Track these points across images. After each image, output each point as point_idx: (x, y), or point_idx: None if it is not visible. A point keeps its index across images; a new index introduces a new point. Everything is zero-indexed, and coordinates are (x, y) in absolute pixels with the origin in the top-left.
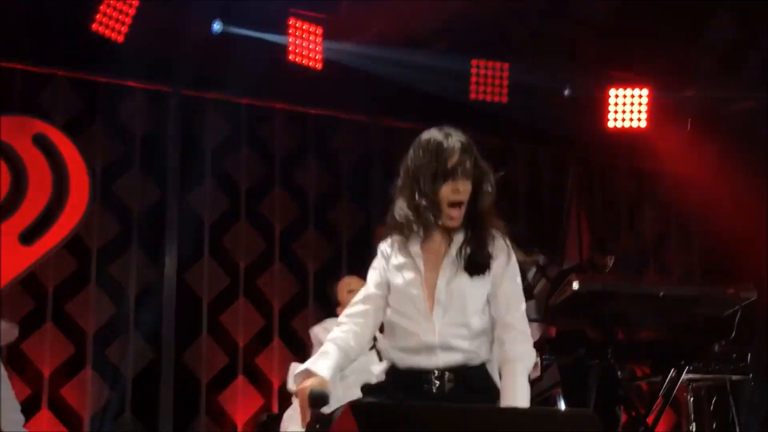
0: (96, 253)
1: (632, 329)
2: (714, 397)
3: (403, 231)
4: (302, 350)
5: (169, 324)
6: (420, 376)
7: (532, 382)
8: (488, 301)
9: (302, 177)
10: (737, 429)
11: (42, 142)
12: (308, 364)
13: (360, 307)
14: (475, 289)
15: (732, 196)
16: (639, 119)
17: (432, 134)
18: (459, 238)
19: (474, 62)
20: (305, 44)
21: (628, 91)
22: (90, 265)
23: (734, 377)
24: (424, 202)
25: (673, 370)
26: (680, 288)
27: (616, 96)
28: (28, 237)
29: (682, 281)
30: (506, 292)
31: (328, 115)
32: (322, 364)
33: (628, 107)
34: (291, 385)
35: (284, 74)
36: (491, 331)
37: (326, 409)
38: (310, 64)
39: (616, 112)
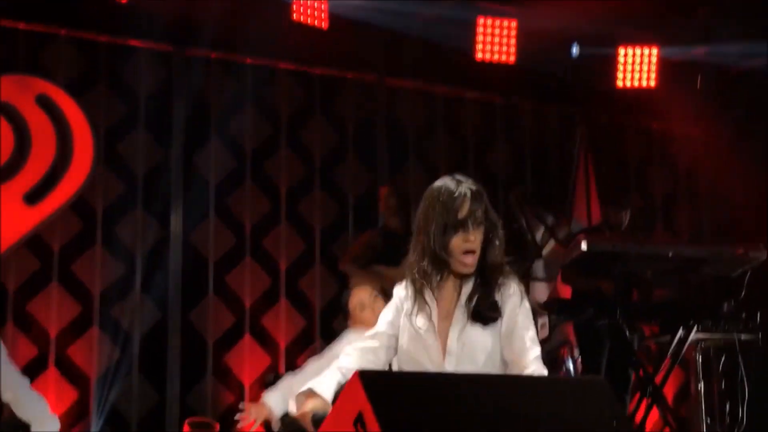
0: (101, 213)
1: (641, 289)
2: (723, 357)
3: (416, 282)
4: (309, 310)
5: (175, 284)
6: None
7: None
8: (502, 348)
9: (308, 137)
10: (746, 389)
11: (45, 102)
12: (311, 384)
13: (370, 343)
14: (486, 338)
15: (742, 155)
16: (648, 78)
17: (442, 183)
18: (468, 286)
19: (480, 20)
20: (310, 3)
21: (638, 51)
22: (95, 226)
23: (743, 337)
24: (436, 256)
25: (681, 329)
26: (689, 248)
27: (625, 55)
28: (33, 198)
29: (691, 241)
30: (520, 337)
31: (333, 74)
32: (324, 385)
33: (637, 66)
34: (292, 406)
35: (289, 33)
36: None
37: None
38: (315, 23)
39: (624, 71)
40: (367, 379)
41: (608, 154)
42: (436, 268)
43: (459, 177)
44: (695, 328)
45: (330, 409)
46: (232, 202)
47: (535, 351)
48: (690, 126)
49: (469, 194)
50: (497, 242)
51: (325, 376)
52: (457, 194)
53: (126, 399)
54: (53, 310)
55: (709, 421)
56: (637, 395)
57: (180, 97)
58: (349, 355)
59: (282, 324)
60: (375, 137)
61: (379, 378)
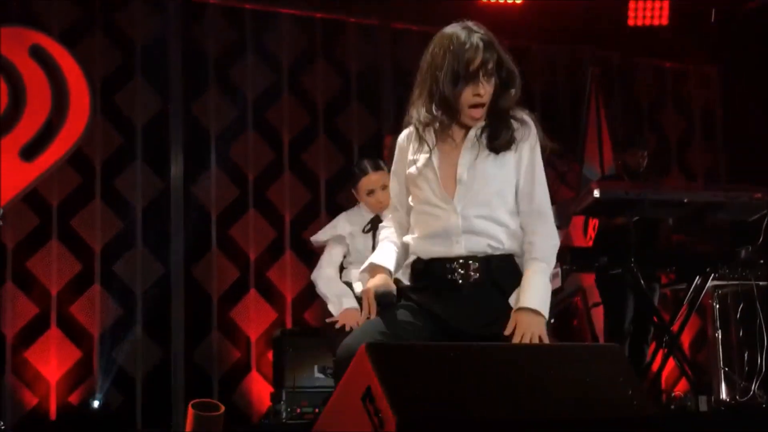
0: (100, 167)
1: (656, 236)
2: (741, 304)
3: (419, 128)
4: (315, 262)
5: (177, 238)
6: (444, 265)
7: (553, 292)
8: (517, 190)
9: (310, 83)
10: (765, 336)
11: (39, 54)
12: (372, 258)
13: (391, 228)
14: (499, 168)
15: (759, 92)
16: (660, 16)
17: (453, 31)
18: (478, 126)
19: None
20: None
21: None
22: (94, 180)
23: (762, 283)
24: (443, 104)
25: (698, 277)
26: (705, 193)
27: None
28: (29, 153)
29: (706, 185)
30: (533, 178)
31: (335, 18)
32: (384, 257)
33: (649, 3)
34: (358, 287)
35: None
36: (519, 228)
37: None
38: None
39: (636, 9)
40: (373, 352)
41: (621, 95)
42: (444, 113)
43: (471, 25)
44: (712, 276)
45: (391, 283)
46: (233, 152)
47: (547, 195)
48: (705, 64)
49: (481, 45)
50: (512, 90)
51: (381, 249)
52: (468, 45)
53: (130, 357)
54: (53, 268)
55: (726, 370)
56: (653, 344)
57: (178, 45)
58: (385, 228)
59: (288, 277)
60: (379, 82)
61: (386, 351)
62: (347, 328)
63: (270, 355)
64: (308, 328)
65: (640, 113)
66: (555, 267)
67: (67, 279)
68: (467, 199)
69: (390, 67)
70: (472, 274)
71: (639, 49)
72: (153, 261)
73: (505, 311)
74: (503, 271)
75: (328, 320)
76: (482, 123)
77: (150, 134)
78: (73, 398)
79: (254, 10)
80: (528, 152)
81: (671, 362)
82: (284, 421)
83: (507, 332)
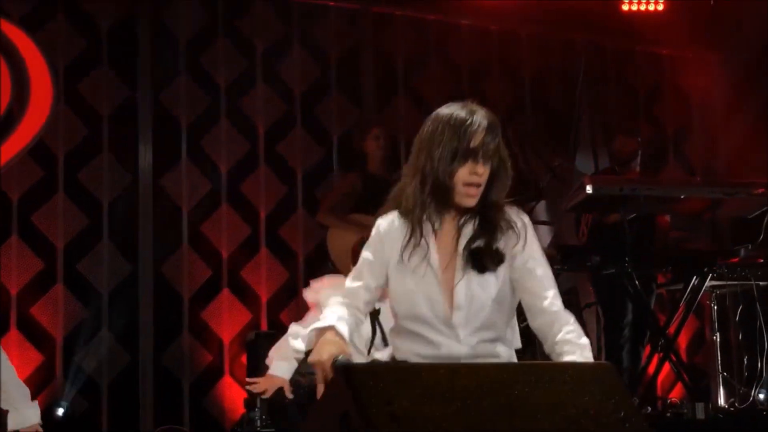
0: (63, 159)
1: (651, 234)
2: (740, 306)
3: (413, 212)
4: (292, 260)
5: (145, 234)
6: None
7: None
8: (517, 290)
9: (287, 71)
10: (766, 340)
11: None
12: (328, 321)
13: (342, 300)
14: (491, 287)
15: (762, 80)
16: (656, 2)
17: (455, 109)
18: (469, 228)
19: None
20: None
21: None
22: (57, 173)
23: (762, 283)
24: (436, 185)
25: (695, 276)
26: (703, 188)
27: None
28: None
29: (704, 180)
30: (535, 275)
31: (314, 2)
32: (341, 324)
33: None
34: (300, 346)
35: None
36: (514, 317)
37: None
38: None
39: None
40: (350, 374)
41: (615, 83)
42: (437, 198)
43: (473, 105)
44: (710, 275)
45: (349, 351)
46: (205, 143)
47: (555, 288)
48: (703, 51)
49: (485, 124)
50: (506, 180)
51: (335, 312)
52: (470, 122)
53: (95, 360)
54: (13, 266)
55: (725, 375)
56: (648, 348)
57: (146, 29)
58: (343, 302)
59: (263, 276)
60: (360, 69)
61: (364, 372)
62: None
63: (244, 358)
64: (284, 331)
65: (636, 103)
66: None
67: (28, 278)
68: (468, 326)
69: (372, 52)
70: None
71: (634, 36)
72: (120, 259)
73: None
74: None
75: (249, 384)
76: (471, 226)
77: (117, 125)
78: None
79: None
80: (521, 249)
81: (667, 366)
82: (258, 429)
83: None
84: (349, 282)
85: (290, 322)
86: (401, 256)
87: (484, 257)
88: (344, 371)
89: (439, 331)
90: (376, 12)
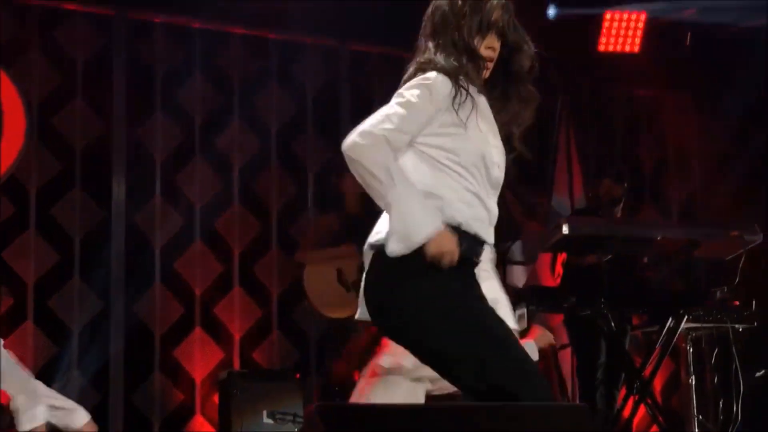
0: (35, 195)
1: (628, 275)
2: (716, 349)
3: (460, 78)
4: (266, 298)
5: (117, 271)
6: (477, 248)
7: (519, 333)
8: None
9: (263, 107)
10: (741, 383)
11: None
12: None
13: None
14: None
15: (736, 121)
16: (632, 43)
17: None
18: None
19: None
20: None
21: (625, 15)
22: (29, 209)
23: (738, 326)
24: (469, 54)
25: (671, 318)
26: (679, 230)
27: (611, 20)
28: None
29: (681, 221)
30: None
31: (291, 39)
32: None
33: (622, 31)
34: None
35: None
36: None
37: None
38: None
39: (608, 35)
40: (326, 415)
41: (590, 122)
42: (470, 62)
43: None
44: (686, 318)
45: None
46: (179, 180)
47: None
48: (679, 92)
49: (502, 1)
50: (527, 49)
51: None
52: None
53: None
54: None
55: (701, 418)
56: (623, 390)
57: (121, 63)
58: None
59: (236, 314)
60: (338, 106)
61: (339, 413)
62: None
63: (216, 398)
64: (257, 370)
65: (612, 143)
66: (521, 307)
67: None
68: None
69: (349, 89)
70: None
71: (611, 77)
72: (91, 296)
73: None
74: None
75: None
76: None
77: (90, 160)
78: None
79: (204, 29)
80: None
81: (642, 409)
82: None
83: None
84: (396, 133)
85: (263, 361)
86: (457, 112)
87: (514, 139)
88: (320, 412)
89: (486, 192)
90: (353, 50)
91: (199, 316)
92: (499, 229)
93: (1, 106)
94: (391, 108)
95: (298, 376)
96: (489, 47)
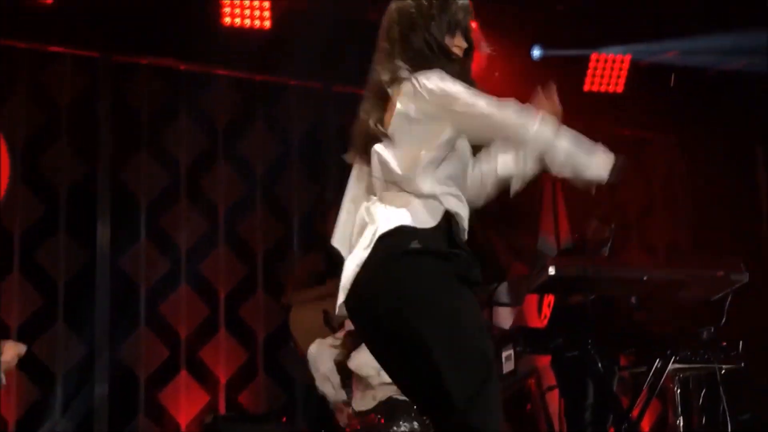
0: (19, 238)
1: (614, 316)
2: (703, 389)
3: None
4: (251, 341)
5: (102, 315)
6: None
7: (506, 375)
8: None
9: (248, 149)
10: (729, 423)
11: None
12: None
13: None
14: None
15: (722, 161)
16: (617, 84)
17: None
18: None
19: None
20: (244, 3)
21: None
22: (12, 252)
23: (725, 367)
24: (442, 46)
25: (658, 359)
26: (665, 270)
27: (597, 60)
28: None
29: (667, 262)
30: None
31: (275, 80)
32: None
33: (608, 71)
34: None
35: (225, 37)
36: None
37: None
38: (255, 24)
39: (594, 75)
40: None
41: None
42: (450, 64)
43: None
44: (673, 358)
45: None
46: (165, 222)
47: None
48: (664, 132)
49: (466, 3)
50: (482, 48)
51: None
52: None
53: None
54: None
55: None
56: (611, 431)
57: (106, 106)
58: None
59: (222, 357)
60: (322, 148)
61: None
62: None
63: None
64: (244, 414)
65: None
66: (507, 348)
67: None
68: None
69: (333, 132)
70: None
71: (598, 116)
72: (75, 340)
73: None
74: None
75: None
76: None
77: (75, 202)
78: None
79: (189, 70)
80: None
81: None
82: None
83: None
84: None
85: (249, 405)
86: None
87: None
88: None
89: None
90: (336, 91)
91: (184, 359)
92: (485, 270)
93: None
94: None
95: (284, 419)
96: (457, 46)
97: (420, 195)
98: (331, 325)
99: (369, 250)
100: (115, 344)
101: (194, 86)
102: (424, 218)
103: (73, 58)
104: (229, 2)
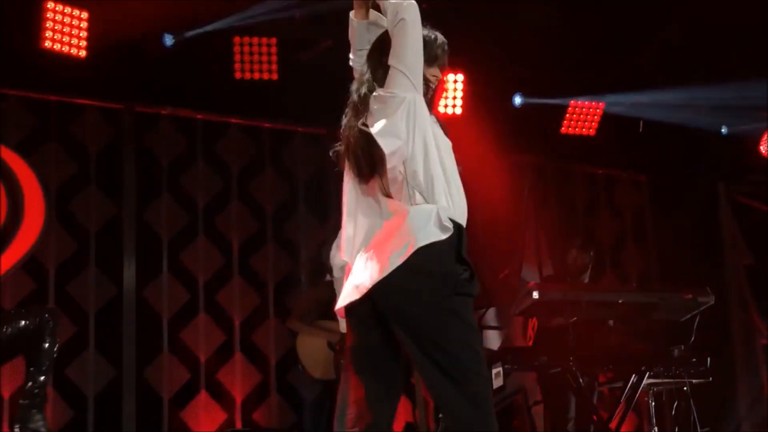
0: (53, 272)
1: (593, 335)
2: (675, 402)
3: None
4: (263, 364)
5: (129, 342)
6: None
7: (495, 391)
8: None
9: (259, 190)
10: None
11: None
12: None
13: None
14: None
15: (683, 198)
16: (590, 128)
17: (429, 29)
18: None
19: None
20: (254, 58)
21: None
22: (47, 285)
23: (695, 381)
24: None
25: (634, 375)
26: (639, 294)
27: (574, 107)
28: None
29: (640, 287)
30: None
31: (283, 128)
32: None
33: (582, 117)
34: None
35: (236, 88)
36: None
37: None
38: (263, 76)
39: (570, 120)
40: None
41: (555, 199)
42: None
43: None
44: (647, 374)
45: None
46: (185, 257)
47: None
48: (634, 171)
49: (445, 41)
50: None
51: None
52: (435, 37)
53: None
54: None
55: None
56: None
57: (130, 152)
58: None
59: (237, 379)
60: (326, 187)
61: None
62: None
63: None
64: (258, 430)
65: (575, 217)
66: (497, 366)
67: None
68: None
69: (335, 175)
70: None
71: (573, 156)
72: (105, 365)
73: None
74: None
75: None
76: None
77: (103, 240)
78: None
79: (205, 120)
80: None
81: None
82: None
83: None
84: None
85: (263, 421)
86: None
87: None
88: None
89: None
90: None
91: (203, 380)
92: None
93: (22, 191)
94: None
95: None
96: (434, 76)
97: (440, 207)
98: (333, 349)
99: (404, 257)
100: (141, 368)
101: (210, 134)
102: (446, 229)
103: (100, 109)
104: (240, 57)
